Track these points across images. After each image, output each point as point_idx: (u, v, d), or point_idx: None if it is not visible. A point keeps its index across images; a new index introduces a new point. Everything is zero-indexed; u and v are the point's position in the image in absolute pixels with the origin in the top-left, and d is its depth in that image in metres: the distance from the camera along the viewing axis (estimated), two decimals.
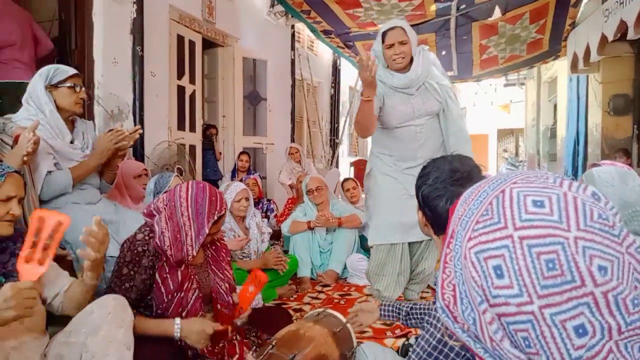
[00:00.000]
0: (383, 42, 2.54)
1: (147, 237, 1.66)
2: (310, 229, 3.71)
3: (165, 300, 1.66)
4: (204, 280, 1.81)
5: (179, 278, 1.68)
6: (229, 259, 1.96)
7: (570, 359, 0.48)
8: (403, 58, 2.51)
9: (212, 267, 1.87)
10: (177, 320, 1.62)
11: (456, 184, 1.24)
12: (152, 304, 1.68)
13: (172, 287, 1.67)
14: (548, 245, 0.49)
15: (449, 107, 2.60)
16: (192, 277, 1.73)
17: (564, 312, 0.48)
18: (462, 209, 0.59)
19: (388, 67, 2.58)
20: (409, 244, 2.73)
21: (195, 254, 1.68)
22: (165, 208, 1.70)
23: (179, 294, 1.68)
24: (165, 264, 1.67)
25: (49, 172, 2.12)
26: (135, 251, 1.64)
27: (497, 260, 0.51)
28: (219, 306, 1.80)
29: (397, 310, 1.68)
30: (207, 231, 1.68)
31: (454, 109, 2.61)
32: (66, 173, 2.15)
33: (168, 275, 1.67)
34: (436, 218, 1.27)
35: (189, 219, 1.66)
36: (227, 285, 1.85)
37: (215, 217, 1.70)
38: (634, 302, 0.49)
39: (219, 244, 1.94)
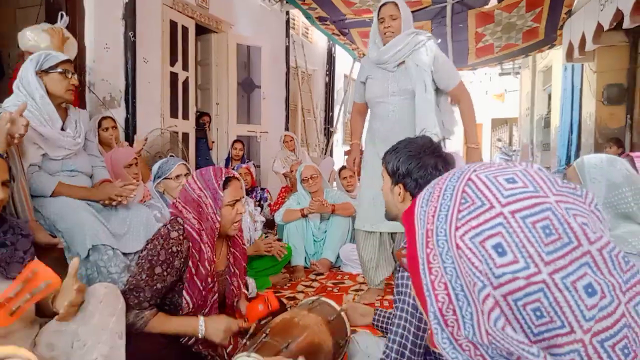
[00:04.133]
0: (378, 17, 2.63)
1: (181, 237, 1.63)
2: (304, 216, 3.70)
3: (194, 300, 1.66)
4: (221, 286, 1.83)
5: (207, 280, 1.68)
6: (245, 264, 1.96)
7: (585, 319, 0.48)
8: (393, 32, 2.56)
9: (232, 275, 1.88)
10: (201, 319, 1.63)
11: (434, 153, 1.37)
12: (172, 304, 1.68)
13: (200, 287, 1.66)
14: (539, 213, 0.51)
15: (417, 90, 2.53)
16: (215, 279, 1.73)
17: (571, 273, 0.49)
18: (432, 208, 0.59)
19: (383, 43, 2.63)
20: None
21: (219, 218, 1.68)
22: (180, 203, 1.73)
23: (202, 294, 1.68)
24: (193, 261, 1.65)
25: (37, 166, 2.09)
26: (170, 250, 1.61)
27: (495, 239, 0.51)
28: (229, 311, 1.85)
29: (389, 322, 1.66)
30: (221, 194, 1.69)
31: (419, 95, 2.52)
32: (50, 182, 2.11)
33: (196, 274, 1.66)
34: (420, 186, 1.33)
35: (201, 189, 1.70)
36: (239, 291, 1.90)
37: (223, 178, 1.73)
38: (624, 260, 0.51)
39: (243, 249, 1.93)
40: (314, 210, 3.68)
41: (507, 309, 0.51)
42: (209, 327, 1.63)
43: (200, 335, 1.62)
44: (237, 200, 1.75)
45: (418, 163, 1.35)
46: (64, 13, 3.06)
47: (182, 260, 1.64)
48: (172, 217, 1.72)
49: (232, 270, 1.88)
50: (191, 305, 1.66)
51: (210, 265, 1.68)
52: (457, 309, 0.55)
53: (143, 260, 1.62)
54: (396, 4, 2.59)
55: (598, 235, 0.50)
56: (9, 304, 1.21)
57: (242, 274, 1.93)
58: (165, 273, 1.60)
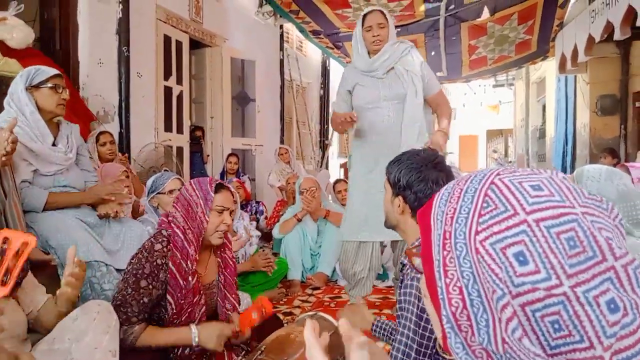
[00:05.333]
0: (363, 25, 2.61)
1: (165, 249, 1.63)
2: (299, 220, 3.68)
3: (175, 312, 1.64)
4: (210, 300, 1.82)
5: (190, 289, 1.66)
6: (235, 279, 1.96)
7: (605, 336, 0.47)
8: (380, 41, 2.56)
9: (222, 288, 1.86)
10: (193, 327, 1.62)
11: (436, 168, 1.36)
12: (164, 317, 1.66)
13: (182, 285, 1.64)
14: (565, 224, 0.49)
15: (408, 95, 2.54)
16: (201, 292, 1.72)
17: (594, 288, 0.47)
18: (451, 209, 0.57)
19: (368, 51, 2.62)
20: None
21: (207, 219, 1.69)
22: (173, 205, 1.76)
23: (188, 308, 1.66)
24: (174, 259, 1.64)
25: (28, 182, 2.07)
26: (155, 263, 1.60)
27: (517, 247, 0.49)
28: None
29: (390, 331, 1.64)
30: (213, 196, 1.71)
31: (410, 99, 2.54)
32: (41, 194, 2.09)
33: (177, 271, 1.64)
34: (420, 200, 1.33)
35: (194, 190, 1.72)
36: (232, 308, 1.88)
37: (215, 183, 1.75)
38: None
39: (232, 265, 1.92)
40: (310, 209, 3.65)
41: (524, 320, 0.49)
42: (202, 333, 1.61)
43: (194, 343, 1.60)
44: (225, 209, 1.75)
45: (419, 176, 1.34)
46: (16, 2, 3.08)
47: (166, 272, 1.62)
48: (158, 230, 1.72)
49: (224, 292, 1.87)
50: (174, 306, 1.63)
51: (192, 265, 1.66)
52: (472, 315, 0.53)
53: (128, 275, 1.61)
54: (383, 12, 2.60)
55: (623, 251, 0.49)
56: None
57: (234, 294, 1.91)
58: (150, 286, 1.59)
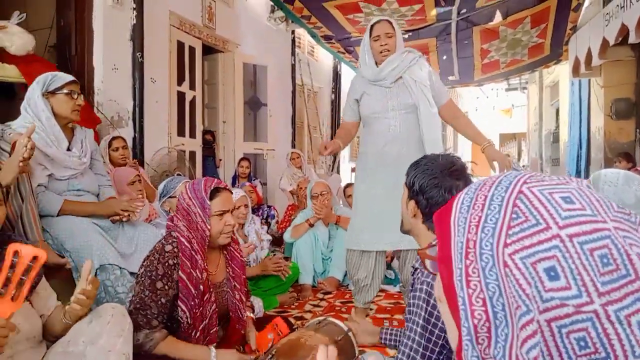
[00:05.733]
0: (371, 35, 2.60)
1: (175, 250, 1.65)
2: (311, 225, 3.68)
3: (190, 309, 1.65)
4: (221, 299, 1.83)
5: (200, 287, 1.67)
6: (245, 276, 1.96)
7: (634, 355, 0.46)
8: (388, 50, 2.55)
9: (232, 285, 1.88)
10: (213, 351, 1.62)
11: (452, 176, 1.33)
12: (176, 317, 1.67)
13: (194, 293, 1.66)
14: (598, 241, 0.48)
15: (421, 106, 2.53)
16: (211, 290, 1.73)
17: (626, 307, 0.46)
18: (475, 217, 0.55)
19: (375, 61, 2.61)
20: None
21: (209, 227, 1.70)
22: (175, 212, 1.76)
23: (199, 308, 1.67)
24: (184, 269, 1.65)
25: (43, 186, 2.11)
26: (167, 264, 1.62)
27: (549, 262, 0.48)
28: (236, 325, 1.84)
29: (398, 337, 1.64)
30: (209, 203, 1.71)
31: (424, 109, 2.53)
32: (57, 201, 2.13)
33: (188, 280, 1.66)
34: (431, 207, 1.32)
35: (190, 199, 1.72)
36: (242, 304, 1.89)
37: (212, 188, 1.75)
38: None
39: (241, 262, 1.94)
40: (321, 215, 3.65)
41: (548, 335, 0.48)
42: (221, 357, 1.61)
43: None
44: (224, 211, 1.76)
45: (433, 183, 1.32)
46: (19, 11, 3.20)
47: (178, 272, 1.64)
48: (167, 232, 1.74)
49: (232, 284, 1.88)
50: (188, 314, 1.65)
51: (202, 273, 1.68)
52: (493, 328, 0.52)
53: (143, 278, 1.62)
54: (390, 22, 2.59)
55: None
56: (7, 292, 1.20)
57: (242, 286, 1.92)
58: (167, 287, 1.61)
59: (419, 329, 1.21)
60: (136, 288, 1.64)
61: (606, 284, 0.47)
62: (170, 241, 1.67)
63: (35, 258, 1.23)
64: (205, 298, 1.69)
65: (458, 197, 0.60)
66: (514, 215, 0.52)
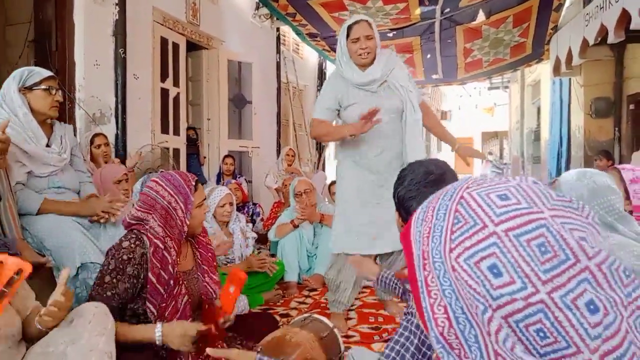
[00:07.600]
0: (348, 36, 2.47)
1: (132, 245, 1.63)
2: (295, 226, 3.68)
3: (158, 307, 1.63)
4: (193, 287, 1.82)
5: (170, 283, 1.66)
6: (215, 263, 1.96)
7: (590, 338, 0.47)
8: (368, 53, 2.44)
9: (202, 270, 1.88)
10: (159, 325, 1.58)
11: (428, 185, 1.28)
12: (140, 313, 1.65)
13: (162, 293, 1.64)
14: (533, 231, 0.49)
15: (406, 111, 2.48)
16: (181, 282, 1.72)
17: (571, 291, 0.47)
18: (425, 228, 0.57)
19: (355, 63, 2.49)
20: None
21: (188, 223, 1.70)
22: (142, 210, 1.69)
23: (171, 302, 1.65)
24: (154, 270, 1.63)
25: (22, 184, 2.07)
26: (120, 259, 1.61)
27: (490, 260, 0.50)
28: (206, 306, 1.82)
29: (393, 286, 1.67)
30: (192, 199, 1.71)
31: (409, 115, 2.48)
32: (36, 199, 2.08)
33: (157, 281, 1.64)
34: (408, 219, 1.29)
35: (171, 195, 1.69)
36: (215, 287, 1.88)
37: (193, 183, 1.75)
38: (625, 273, 0.49)
39: (207, 247, 1.94)
40: (305, 216, 3.65)
41: (510, 331, 0.49)
42: (166, 333, 1.56)
43: (158, 343, 1.55)
44: (203, 201, 1.79)
45: (409, 195, 1.30)
46: None
47: (136, 266, 1.62)
48: (128, 230, 1.71)
49: (202, 267, 1.89)
50: (155, 313, 1.63)
51: (173, 268, 1.67)
52: (459, 332, 0.53)
53: (98, 274, 1.63)
54: (369, 23, 2.46)
55: (596, 249, 0.49)
56: None
57: (212, 270, 1.93)
58: (115, 280, 1.59)
59: (413, 327, 1.21)
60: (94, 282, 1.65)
61: (548, 272, 0.48)
62: (129, 237, 1.65)
63: (20, 271, 1.21)
64: (175, 291, 1.68)
65: (415, 213, 0.62)
66: (455, 221, 0.54)
